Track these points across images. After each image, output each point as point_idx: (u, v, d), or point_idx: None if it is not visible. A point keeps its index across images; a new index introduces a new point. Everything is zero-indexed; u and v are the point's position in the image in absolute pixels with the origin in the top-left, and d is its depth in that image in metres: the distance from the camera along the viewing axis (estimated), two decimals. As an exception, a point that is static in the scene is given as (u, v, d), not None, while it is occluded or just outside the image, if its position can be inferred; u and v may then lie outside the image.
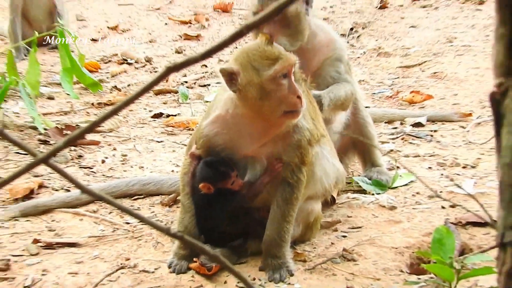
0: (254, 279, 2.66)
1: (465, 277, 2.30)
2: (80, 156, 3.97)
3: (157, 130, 4.49)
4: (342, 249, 2.82)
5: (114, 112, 1.01)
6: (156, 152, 4.11)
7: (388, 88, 5.21)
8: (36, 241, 2.94)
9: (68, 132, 4.24)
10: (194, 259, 2.69)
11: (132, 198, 3.44)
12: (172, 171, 3.78)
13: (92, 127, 1.03)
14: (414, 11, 7.08)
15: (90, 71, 5.20)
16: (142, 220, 1.06)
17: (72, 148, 4.05)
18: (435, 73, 5.40)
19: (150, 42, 6.65)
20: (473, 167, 3.68)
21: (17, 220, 3.17)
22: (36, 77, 4.22)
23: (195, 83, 5.53)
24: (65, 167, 3.81)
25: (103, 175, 3.74)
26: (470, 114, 4.45)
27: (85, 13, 7.53)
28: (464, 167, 3.68)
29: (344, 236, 2.99)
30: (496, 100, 1.26)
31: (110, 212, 3.26)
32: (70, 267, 2.75)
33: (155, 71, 5.85)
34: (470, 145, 4.00)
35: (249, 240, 2.81)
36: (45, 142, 4.14)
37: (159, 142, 4.29)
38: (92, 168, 3.83)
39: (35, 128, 4.21)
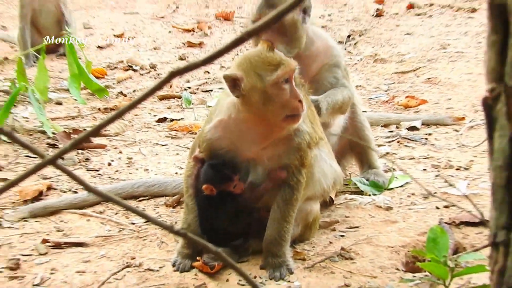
0: (255, 277, 2.65)
1: (459, 275, 2.29)
2: (87, 159, 3.97)
3: (161, 134, 4.49)
4: (340, 248, 2.81)
5: (120, 115, 1.01)
6: (161, 155, 4.11)
7: (384, 93, 5.20)
8: (44, 241, 2.94)
9: (76, 136, 4.25)
10: (197, 258, 2.69)
11: (138, 200, 3.44)
12: (176, 173, 3.78)
13: (98, 130, 1.03)
14: (409, 19, 7.08)
15: (97, 77, 5.20)
16: (147, 218, 1.06)
17: (80, 151, 4.05)
18: (429, 78, 5.39)
19: (155, 49, 6.66)
20: (466, 169, 3.67)
21: (26, 221, 3.17)
22: (45, 83, 4.22)
23: (198, 88, 5.53)
24: (72, 170, 3.81)
25: (110, 177, 3.74)
26: (463, 118, 4.45)
27: (92, 21, 7.54)
28: (457, 169, 3.68)
29: (342, 236, 2.99)
30: (489, 105, 1.26)
31: (116, 213, 3.26)
32: (77, 266, 2.75)
33: (160, 77, 5.86)
34: (463, 147, 4.00)
35: (250, 240, 2.80)
36: (53, 146, 4.14)
37: (163, 145, 4.29)
38: (98, 171, 3.83)
39: (43, 132, 4.21)
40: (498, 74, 1.23)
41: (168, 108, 5.07)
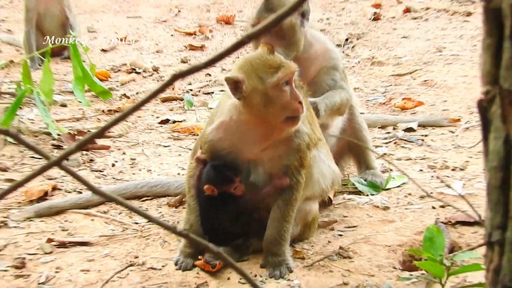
0: (255, 275, 2.65)
1: (455, 273, 2.29)
2: (91, 160, 3.97)
3: (164, 136, 4.49)
4: (338, 247, 2.81)
5: (123, 117, 1.01)
6: (163, 156, 4.11)
7: (381, 95, 5.20)
8: (50, 240, 2.93)
9: (80, 137, 4.25)
10: (199, 257, 2.69)
11: (141, 200, 3.44)
12: (178, 174, 3.78)
13: (102, 132, 1.03)
14: (406, 22, 7.08)
15: (101, 80, 5.20)
16: (150, 219, 1.06)
17: (84, 152, 4.05)
18: (425, 81, 5.39)
19: (157, 52, 6.66)
20: (461, 169, 3.67)
21: (32, 220, 3.17)
22: (50, 85, 4.22)
23: (199, 91, 5.53)
24: (77, 171, 3.80)
25: (113, 178, 3.74)
26: (458, 120, 4.45)
27: (96, 25, 7.55)
28: (453, 170, 3.68)
29: (340, 235, 2.99)
30: (484, 107, 1.26)
31: (120, 213, 3.25)
32: (82, 264, 2.75)
33: (162, 80, 5.86)
34: (459, 148, 4.00)
35: (251, 239, 2.80)
36: (58, 147, 4.14)
37: (166, 146, 4.28)
38: (102, 171, 3.82)
39: (49, 134, 4.21)
40: (493, 76, 1.23)
41: (171, 110, 5.07)
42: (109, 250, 2.87)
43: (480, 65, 1.26)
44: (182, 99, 5.19)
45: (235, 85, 2.55)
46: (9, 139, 4.01)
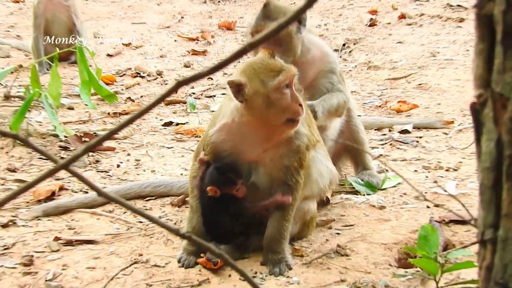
0: (256, 272, 2.65)
1: (448, 270, 2.29)
2: (97, 161, 3.96)
3: (167, 137, 4.49)
4: (336, 245, 2.81)
5: (130, 121, 1.01)
6: (167, 157, 4.11)
7: (378, 98, 5.20)
8: (57, 238, 2.93)
9: (87, 139, 4.24)
10: (201, 255, 2.68)
11: (145, 199, 3.43)
12: (181, 174, 3.77)
13: (109, 136, 1.03)
14: (401, 28, 7.08)
15: (107, 84, 5.19)
16: (154, 221, 1.06)
17: (90, 153, 4.05)
18: (420, 84, 5.39)
19: (161, 57, 6.66)
20: (455, 170, 3.67)
21: (39, 219, 3.16)
22: (57, 89, 4.22)
23: (202, 94, 5.53)
24: (83, 171, 3.80)
25: (118, 178, 3.74)
26: (452, 122, 4.44)
27: (102, 31, 7.55)
28: (447, 170, 3.67)
29: (338, 233, 2.99)
30: (476, 110, 1.26)
31: (125, 212, 3.25)
32: (88, 262, 2.74)
33: (166, 83, 5.85)
34: (452, 150, 4.00)
35: (251, 238, 2.80)
36: (65, 149, 4.14)
37: (169, 148, 4.28)
38: (108, 172, 3.82)
39: (56, 136, 4.21)
40: (485, 80, 1.23)
41: (174, 112, 5.07)
42: (114, 248, 2.87)
43: (472, 69, 1.26)
44: (185, 102, 5.18)
45: (237, 88, 2.55)
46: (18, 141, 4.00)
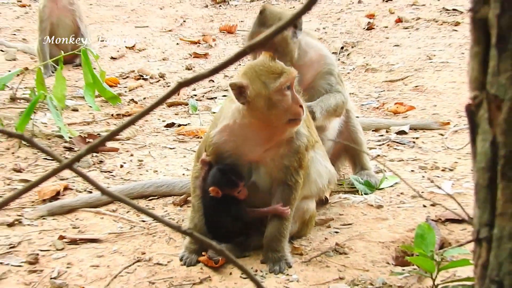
0: (256, 270, 2.65)
1: (445, 268, 2.29)
2: (101, 162, 3.96)
3: (169, 138, 4.49)
4: (334, 244, 2.80)
5: (132, 121, 1.01)
6: (169, 158, 4.10)
7: (375, 100, 5.20)
8: (61, 237, 2.93)
9: (91, 140, 4.24)
10: (203, 253, 2.68)
11: (148, 199, 3.43)
12: (183, 174, 3.77)
13: (112, 136, 1.03)
14: (398, 31, 7.08)
15: (110, 86, 5.20)
16: (156, 218, 1.06)
17: (94, 154, 4.05)
18: (416, 86, 5.39)
19: (163, 60, 6.66)
20: (451, 170, 3.67)
21: (44, 218, 3.16)
22: (62, 91, 4.22)
23: (203, 96, 5.53)
24: (87, 171, 3.80)
25: (122, 178, 3.73)
26: (448, 123, 4.44)
27: (106, 34, 7.55)
28: (443, 170, 3.67)
29: (337, 232, 2.98)
30: (472, 111, 1.26)
31: (128, 211, 3.25)
32: (92, 260, 2.74)
33: (168, 86, 5.85)
34: (448, 150, 3.99)
35: (251, 236, 2.80)
36: (70, 149, 4.14)
37: (171, 149, 4.28)
38: (111, 172, 3.82)
39: (61, 137, 4.21)
40: (480, 83, 1.23)
41: (176, 114, 5.07)
42: (118, 247, 2.87)
43: (468, 71, 1.26)
44: (186, 104, 5.19)
45: (239, 90, 2.55)
46: (24, 141, 4.01)
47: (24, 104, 4.80)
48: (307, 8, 0.92)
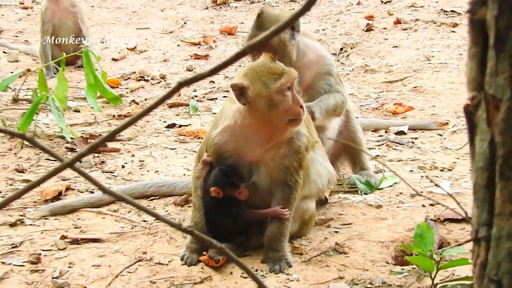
0: (256, 270, 2.64)
1: (444, 267, 2.28)
2: (102, 162, 3.96)
3: (170, 139, 4.49)
4: (334, 243, 2.80)
5: (133, 121, 1.01)
6: (170, 158, 4.10)
7: (374, 101, 5.20)
8: (63, 237, 2.93)
9: (92, 141, 4.24)
10: (204, 253, 2.68)
11: (149, 199, 3.43)
12: (184, 174, 3.77)
13: (113, 135, 1.03)
14: (396, 33, 7.08)
15: (112, 87, 5.20)
16: (157, 217, 1.06)
17: (96, 155, 4.05)
18: (415, 87, 5.39)
19: (164, 61, 6.66)
20: (449, 170, 3.66)
21: (46, 218, 3.16)
22: (64, 92, 4.22)
23: (204, 97, 5.53)
24: (89, 172, 3.80)
25: (123, 179, 3.73)
26: (446, 123, 4.44)
27: (107, 36, 7.56)
28: (441, 170, 3.67)
29: (336, 232, 2.98)
30: (470, 112, 1.26)
31: (129, 211, 3.25)
32: (93, 260, 2.74)
33: (169, 87, 5.85)
34: (446, 150, 3.99)
35: (252, 236, 2.80)
36: (71, 150, 4.14)
37: (172, 149, 4.28)
38: (113, 172, 3.82)
39: (63, 137, 4.21)
40: (478, 83, 1.23)
41: (177, 115, 5.07)
42: (119, 247, 2.87)
43: (466, 72, 1.26)
44: (187, 105, 5.19)
45: (240, 91, 2.55)
46: (26, 142, 4.00)
47: (27, 105, 4.80)
48: (304, 10, 0.92)
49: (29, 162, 3.88)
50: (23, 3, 8.68)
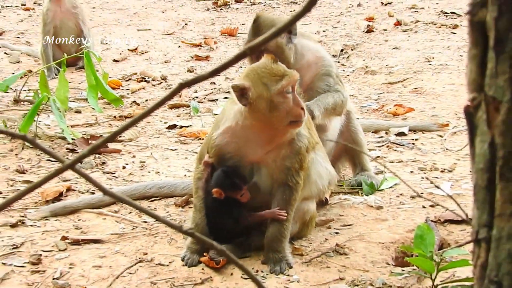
0: (257, 271, 2.64)
1: (444, 269, 2.28)
2: (103, 163, 3.96)
3: (171, 140, 4.49)
4: (335, 244, 2.80)
5: (134, 122, 1.01)
6: (171, 159, 4.10)
7: (375, 102, 5.20)
8: (64, 238, 2.93)
9: (93, 142, 4.24)
10: (204, 254, 2.68)
11: (150, 200, 3.43)
12: (185, 175, 3.77)
13: (114, 136, 1.03)
14: (397, 34, 7.08)
15: (113, 88, 5.20)
16: (157, 219, 1.06)
17: (97, 155, 4.05)
18: (415, 88, 5.39)
19: (165, 62, 6.67)
20: (450, 171, 3.66)
21: (47, 219, 3.16)
22: (65, 93, 4.23)
23: (204, 98, 5.54)
24: (90, 173, 3.80)
25: (124, 180, 3.73)
26: (447, 125, 4.44)
27: (108, 37, 7.56)
28: (442, 171, 3.67)
29: (337, 233, 2.98)
30: (470, 113, 1.26)
31: (130, 212, 3.25)
32: (94, 261, 2.74)
33: (170, 88, 5.85)
34: (447, 151, 3.99)
35: (252, 237, 2.79)
36: (72, 151, 4.14)
37: (173, 150, 4.28)
38: (114, 173, 3.82)
39: (64, 138, 4.22)
40: (478, 84, 1.23)
41: (178, 116, 5.07)
42: (120, 247, 2.86)
43: (466, 73, 1.26)
44: (188, 106, 5.19)
45: (241, 92, 2.55)
46: (27, 143, 4.00)
47: (28, 106, 4.81)
48: (302, 14, 0.92)
49: (30, 163, 3.88)
50: (24, 4, 8.70)
